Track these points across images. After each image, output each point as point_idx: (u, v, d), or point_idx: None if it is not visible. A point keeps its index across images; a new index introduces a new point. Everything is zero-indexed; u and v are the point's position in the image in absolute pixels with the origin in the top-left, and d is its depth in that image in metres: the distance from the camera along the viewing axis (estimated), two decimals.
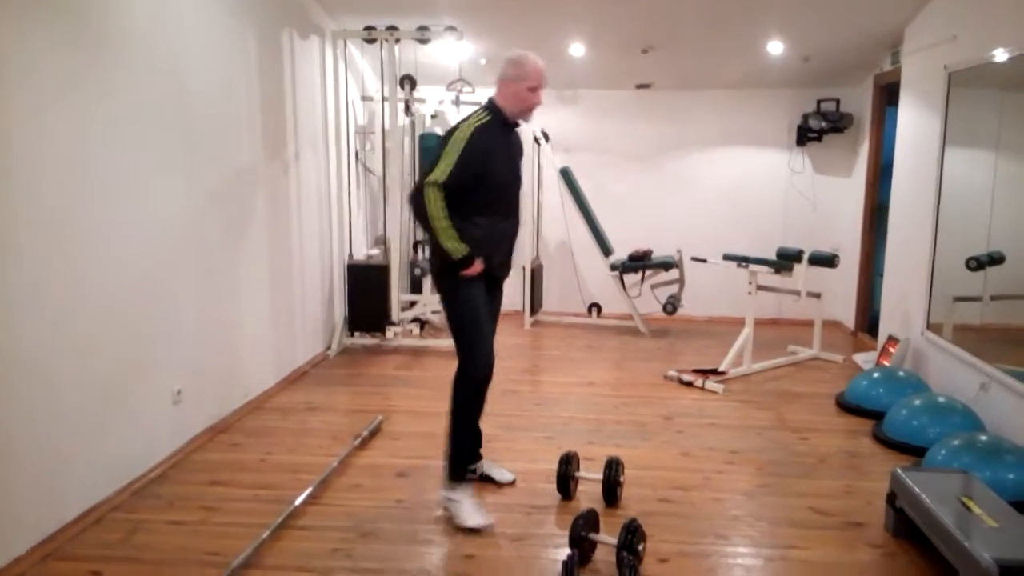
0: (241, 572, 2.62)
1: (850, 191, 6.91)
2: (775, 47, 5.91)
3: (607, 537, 2.69)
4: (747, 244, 6.16)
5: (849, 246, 6.71)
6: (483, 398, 3.16)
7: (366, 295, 5.97)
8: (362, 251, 6.52)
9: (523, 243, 6.00)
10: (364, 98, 6.53)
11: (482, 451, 3.46)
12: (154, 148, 3.50)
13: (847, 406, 4.56)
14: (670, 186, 7.30)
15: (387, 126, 5.94)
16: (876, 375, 4.68)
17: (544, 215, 7.35)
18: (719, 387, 4.94)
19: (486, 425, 3.45)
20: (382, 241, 6.60)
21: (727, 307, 7.08)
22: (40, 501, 2.80)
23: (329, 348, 5.83)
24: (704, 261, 5.76)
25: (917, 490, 2.80)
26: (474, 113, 3.00)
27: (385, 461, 3.69)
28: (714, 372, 5.16)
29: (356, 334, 6.05)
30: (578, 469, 3.33)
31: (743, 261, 5.36)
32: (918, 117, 5.23)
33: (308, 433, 4.08)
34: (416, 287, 6.64)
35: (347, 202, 6.02)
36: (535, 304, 7.04)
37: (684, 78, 6.88)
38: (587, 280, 7.37)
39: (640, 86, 7.10)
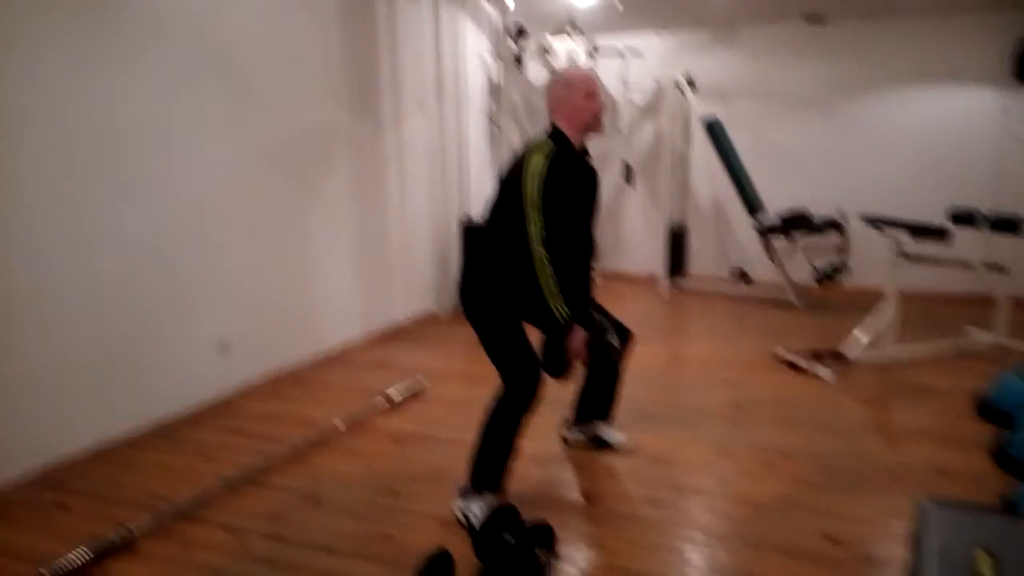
0: (171, 521, 2.70)
1: None
2: None
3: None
4: (943, 204, 5.01)
5: None
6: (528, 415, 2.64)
7: None
8: None
9: None
10: (495, 54, 6.35)
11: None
12: (194, 106, 3.66)
13: (986, 411, 3.57)
14: (846, 135, 6.25)
15: (501, 82, 5.73)
16: None
17: (692, 170, 6.68)
18: (828, 373, 4.14)
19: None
20: None
21: (911, 276, 5.83)
22: (49, 431, 3.10)
23: (441, 306, 5.85)
24: (838, 226, 4.85)
25: (930, 530, 2.08)
26: (537, 144, 2.62)
27: (396, 426, 3.60)
28: (834, 355, 4.34)
29: None
30: (514, 529, 2.38)
31: (882, 224, 4.41)
32: None
33: (354, 389, 4.10)
34: None
35: (466, 161, 5.94)
36: (676, 269, 6.47)
37: (862, 6, 5.77)
38: (741, 243, 6.59)
39: (810, 18, 6.09)
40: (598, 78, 2.76)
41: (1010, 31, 5.46)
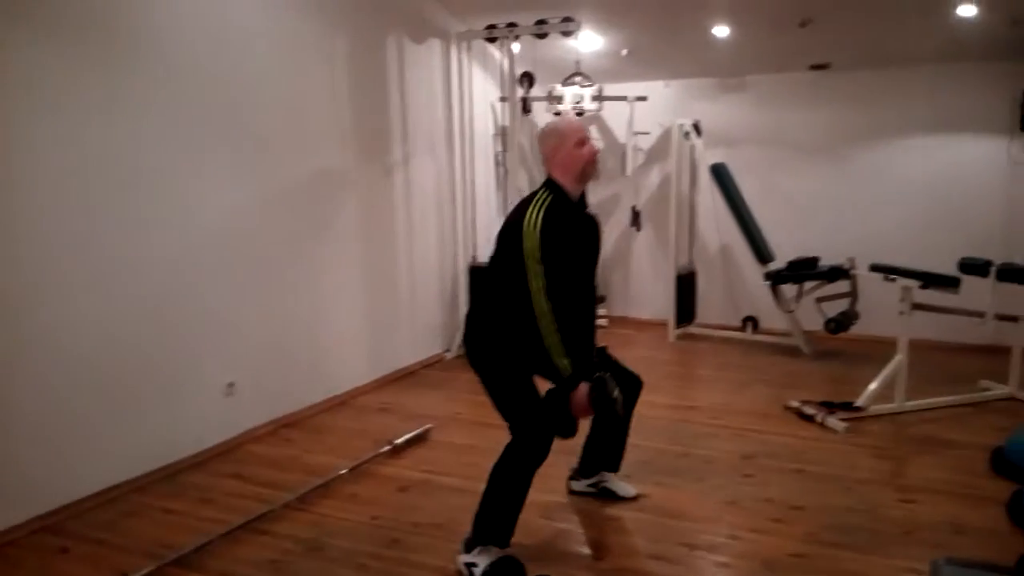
0: (171, 567, 2.66)
1: None
2: (967, 10, 4.75)
3: None
4: (952, 253, 4.89)
5: None
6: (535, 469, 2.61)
7: None
8: None
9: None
10: (503, 99, 6.43)
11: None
12: (201, 150, 3.69)
13: (1001, 465, 3.50)
14: (854, 183, 6.25)
15: (508, 125, 5.79)
16: None
17: (700, 215, 6.71)
18: (840, 425, 4.08)
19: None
20: None
21: (924, 326, 5.20)
22: (55, 476, 3.08)
23: (448, 350, 5.83)
24: (847, 273, 4.83)
25: None
26: (533, 197, 2.64)
27: (400, 472, 3.56)
28: (846, 407, 4.28)
29: None
30: None
31: (892, 273, 4.38)
32: None
33: (359, 434, 4.07)
34: None
35: (474, 204, 5.98)
36: (684, 315, 6.44)
37: (866, 55, 5.84)
38: (750, 289, 6.56)
39: (815, 67, 6.16)
40: (586, 127, 2.76)
41: (1017, 80, 5.49)
